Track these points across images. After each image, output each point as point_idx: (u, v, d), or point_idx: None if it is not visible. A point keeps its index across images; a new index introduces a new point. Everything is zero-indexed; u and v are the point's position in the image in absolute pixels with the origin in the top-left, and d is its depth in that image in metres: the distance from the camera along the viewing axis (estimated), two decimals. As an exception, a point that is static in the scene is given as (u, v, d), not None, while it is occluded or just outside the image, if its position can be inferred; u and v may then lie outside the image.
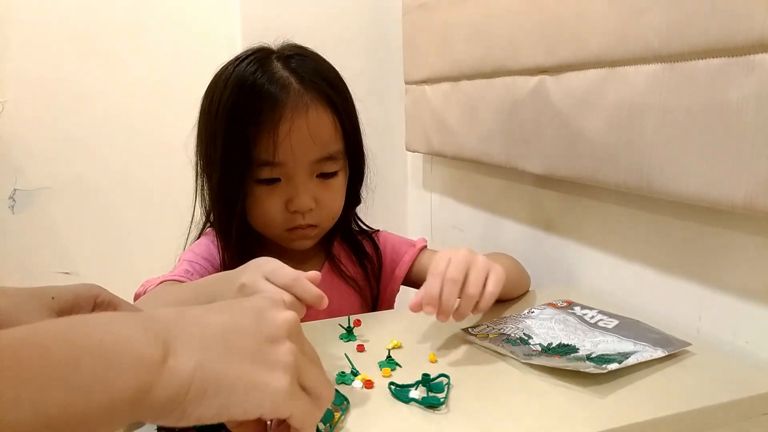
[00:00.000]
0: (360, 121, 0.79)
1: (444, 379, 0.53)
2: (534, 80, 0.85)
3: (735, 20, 0.54)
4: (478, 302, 0.59)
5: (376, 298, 0.86)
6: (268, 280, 0.52)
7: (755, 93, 0.54)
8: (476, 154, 1.03)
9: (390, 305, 0.86)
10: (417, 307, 0.58)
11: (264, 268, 0.53)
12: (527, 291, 0.82)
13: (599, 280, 0.84)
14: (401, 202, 1.53)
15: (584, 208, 0.86)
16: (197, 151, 0.77)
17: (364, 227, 0.89)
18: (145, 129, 1.58)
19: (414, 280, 0.86)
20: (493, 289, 0.59)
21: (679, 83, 0.61)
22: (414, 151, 1.35)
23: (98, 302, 0.48)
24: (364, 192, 0.84)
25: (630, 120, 0.68)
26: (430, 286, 0.58)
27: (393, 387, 0.52)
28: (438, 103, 1.16)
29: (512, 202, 1.04)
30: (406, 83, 1.31)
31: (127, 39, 1.56)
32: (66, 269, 1.60)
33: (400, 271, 0.85)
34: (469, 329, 0.65)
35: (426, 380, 0.52)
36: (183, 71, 1.56)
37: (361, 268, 0.84)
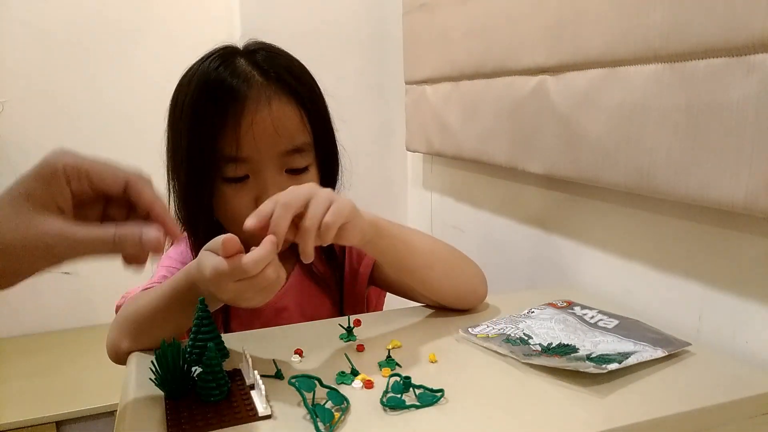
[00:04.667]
0: (333, 116, 0.77)
1: (438, 394, 0.52)
2: (534, 80, 0.85)
3: (735, 20, 0.54)
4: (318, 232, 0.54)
5: (341, 298, 0.83)
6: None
7: (755, 93, 0.54)
8: (476, 154, 1.03)
9: (361, 306, 0.84)
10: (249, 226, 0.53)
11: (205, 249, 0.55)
12: (476, 290, 0.74)
13: (599, 280, 0.84)
14: (401, 202, 1.53)
15: (584, 208, 0.86)
16: (167, 154, 0.76)
17: None
18: (144, 129, 1.57)
19: (378, 279, 0.82)
20: (330, 219, 0.54)
21: (679, 83, 0.61)
22: (414, 151, 1.35)
23: (68, 175, 0.44)
24: (339, 190, 0.81)
25: (630, 120, 0.68)
26: (262, 206, 0.54)
27: (395, 382, 0.52)
28: (438, 103, 1.16)
29: (512, 202, 1.05)
30: (406, 83, 1.31)
31: (126, 40, 1.56)
32: (66, 269, 1.60)
33: (365, 269, 0.82)
34: (469, 329, 0.65)
35: (408, 384, 0.52)
36: (183, 71, 1.55)
37: (330, 269, 0.83)
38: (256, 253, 0.50)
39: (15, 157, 1.52)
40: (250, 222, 0.53)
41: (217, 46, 0.74)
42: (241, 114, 0.67)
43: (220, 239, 0.52)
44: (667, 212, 0.71)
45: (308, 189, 0.56)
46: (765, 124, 0.53)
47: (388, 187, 1.52)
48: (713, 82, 0.58)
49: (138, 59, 1.57)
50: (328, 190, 0.57)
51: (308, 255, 0.55)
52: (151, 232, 0.45)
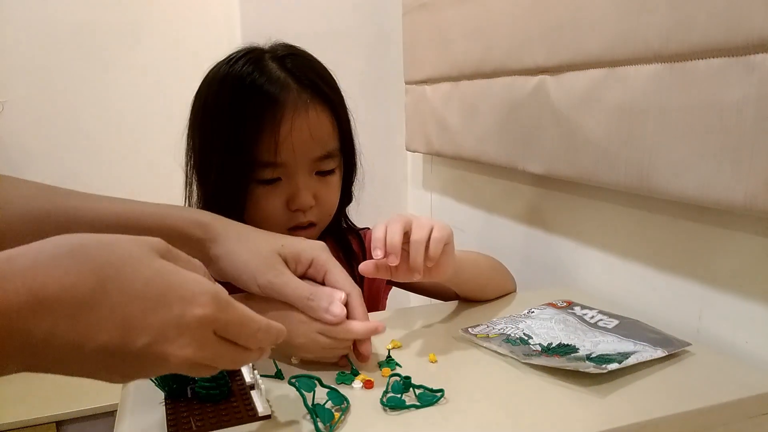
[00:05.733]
0: (352, 118, 0.79)
1: (438, 394, 0.52)
2: (534, 80, 0.85)
3: (735, 20, 0.54)
4: (427, 250, 0.60)
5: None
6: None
7: (755, 93, 0.54)
8: (476, 154, 1.03)
9: (377, 304, 0.85)
10: (368, 267, 0.60)
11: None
12: (511, 291, 0.82)
13: (599, 280, 0.84)
14: (401, 202, 1.53)
15: (584, 208, 0.86)
16: (188, 154, 0.76)
17: (352, 225, 0.88)
18: (144, 129, 1.58)
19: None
20: (437, 234, 0.60)
21: (679, 83, 0.61)
22: (414, 151, 1.35)
23: (313, 263, 0.58)
24: (356, 190, 0.84)
25: (630, 120, 0.68)
26: (375, 230, 0.60)
27: (395, 382, 0.52)
28: (438, 103, 1.16)
29: (512, 202, 1.05)
30: (406, 83, 1.31)
31: (126, 39, 1.56)
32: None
33: None
34: (469, 329, 0.65)
35: (408, 385, 0.52)
36: (183, 71, 1.56)
37: (348, 267, 0.84)
38: (364, 325, 0.56)
39: (15, 157, 1.52)
40: (377, 252, 0.59)
41: (241, 48, 0.75)
42: (281, 121, 0.69)
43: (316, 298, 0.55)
44: (667, 212, 0.71)
45: (410, 215, 0.62)
46: (765, 124, 0.53)
47: (388, 187, 1.51)
48: (713, 82, 0.57)
49: (138, 59, 1.57)
50: (427, 217, 0.63)
51: (418, 268, 0.60)
52: (337, 308, 0.54)
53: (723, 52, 0.56)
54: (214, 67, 0.75)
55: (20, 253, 0.34)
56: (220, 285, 0.41)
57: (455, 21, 1.06)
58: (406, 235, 0.60)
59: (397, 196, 1.53)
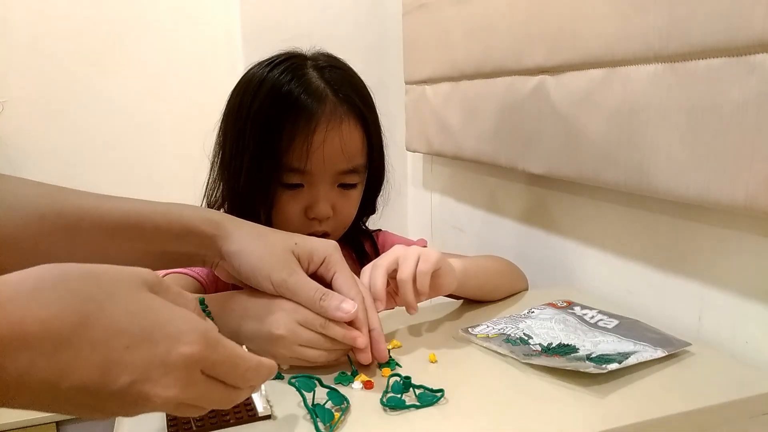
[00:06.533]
0: (384, 137, 0.80)
1: (438, 394, 0.52)
2: (534, 80, 0.85)
3: (735, 20, 0.54)
4: (415, 284, 0.61)
5: None
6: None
7: (755, 93, 0.54)
8: (476, 153, 1.03)
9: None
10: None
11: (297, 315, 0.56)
12: (522, 290, 0.83)
13: (599, 280, 0.84)
14: (401, 202, 1.53)
15: (584, 208, 0.86)
16: (218, 150, 0.77)
17: (365, 228, 0.89)
18: (144, 128, 1.58)
19: None
20: (423, 267, 0.61)
21: (679, 83, 0.61)
22: (414, 151, 1.35)
23: (326, 261, 0.58)
24: (380, 203, 0.85)
25: (630, 120, 0.68)
26: (362, 276, 0.62)
27: (395, 382, 0.52)
28: (438, 103, 1.16)
29: (512, 202, 1.05)
30: (406, 83, 1.31)
31: (127, 38, 1.56)
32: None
33: None
34: (469, 329, 0.65)
35: (408, 385, 0.52)
36: (183, 71, 1.56)
37: (359, 267, 0.84)
38: (343, 330, 0.55)
39: (15, 157, 1.52)
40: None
41: (284, 51, 0.76)
42: (314, 131, 0.70)
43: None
44: (667, 212, 0.71)
45: (396, 250, 0.63)
46: (765, 124, 0.53)
47: (388, 187, 1.51)
48: (713, 82, 0.57)
49: (138, 58, 1.57)
50: (415, 246, 0.64)
51: (410, 304, 0.61)
52: (349, 305, 0.54)
53: (723, 52, 0.56)
54: (254, 67, 0.75)
55: (1, 283, 0.32)
56: (210, 322, 0.39)
57: (455, 21, 1.06)
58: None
59: (397, 196, 1.52)
